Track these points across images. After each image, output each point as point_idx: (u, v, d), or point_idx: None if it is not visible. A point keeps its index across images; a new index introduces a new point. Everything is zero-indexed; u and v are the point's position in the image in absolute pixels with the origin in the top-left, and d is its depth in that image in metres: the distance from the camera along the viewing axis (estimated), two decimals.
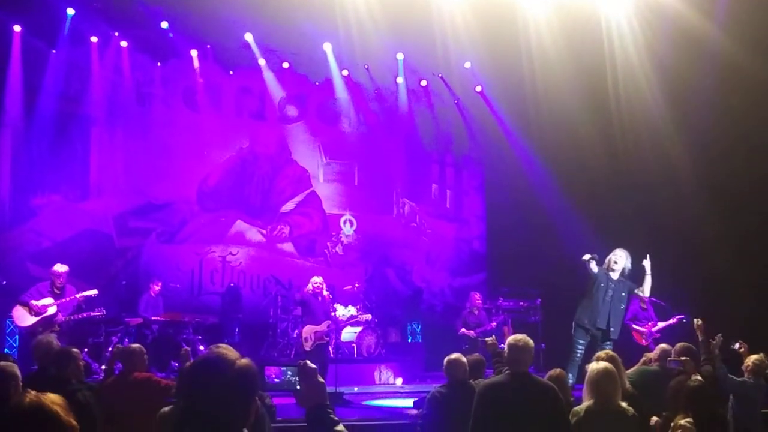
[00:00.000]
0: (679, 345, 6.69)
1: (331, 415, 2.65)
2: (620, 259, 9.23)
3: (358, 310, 13.10)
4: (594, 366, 4.99)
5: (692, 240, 12.67)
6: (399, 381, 12.19)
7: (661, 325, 11.10)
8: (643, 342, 10.99)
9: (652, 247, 12.85)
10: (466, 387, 5.82)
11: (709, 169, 12.50)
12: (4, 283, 11.32)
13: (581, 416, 4.83)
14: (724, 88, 11.98)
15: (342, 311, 12.47)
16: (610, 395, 4.82)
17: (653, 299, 11.30)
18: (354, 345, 12.86)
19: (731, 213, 12.23)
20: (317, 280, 10.70)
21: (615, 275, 9.04)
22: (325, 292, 10.66)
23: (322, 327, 10.25)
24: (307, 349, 10.09)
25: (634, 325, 11.15)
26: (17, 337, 10.92)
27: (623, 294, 9.09)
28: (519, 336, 5.04)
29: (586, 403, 4.90)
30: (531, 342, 5.03)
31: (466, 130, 15.88)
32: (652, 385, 6.12)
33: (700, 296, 11.80)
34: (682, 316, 11.03)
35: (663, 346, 7.00)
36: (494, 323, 12.26)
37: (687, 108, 12.66)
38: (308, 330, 10.28)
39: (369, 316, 12.45)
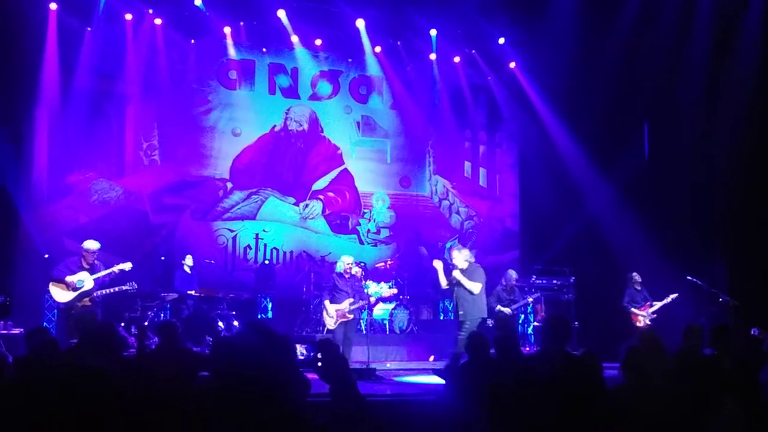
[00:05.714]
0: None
1: (355, 390, 2.65)
2: (458, 258, 9.63)
3: (390, 288, 13.12)
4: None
5: (731, 218, 12.50)
6: (431, 358, 12.22)
7: (657, 305, 11.07)
8: (641, 324, 10.94)
9: (689, 225, 12.74)
10: (490, 363, 5.81)
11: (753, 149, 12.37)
12: (47, 256, 11.56)
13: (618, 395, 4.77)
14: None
15: (374, 288, 12.49)
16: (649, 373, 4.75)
17: (689, 277, 11.21)
18: (386, 322, 12.93)
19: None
20: (347, 260, 10.70)
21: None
22: (354, 270, 10.66)
23: (344, 305, 10.24)
24: (331, 327, 10.11)
25: (632, 309, 11.13)
26: (56, 311, 11.09)
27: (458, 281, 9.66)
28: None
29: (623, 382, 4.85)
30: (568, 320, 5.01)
31: (500, 108, 15.72)
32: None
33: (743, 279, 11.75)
34: (677, 294, 11.02)
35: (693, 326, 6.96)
36: (530, 299, 12.19)
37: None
38: (329, 308, 10.27)
39: (395, 290, 12.43)
